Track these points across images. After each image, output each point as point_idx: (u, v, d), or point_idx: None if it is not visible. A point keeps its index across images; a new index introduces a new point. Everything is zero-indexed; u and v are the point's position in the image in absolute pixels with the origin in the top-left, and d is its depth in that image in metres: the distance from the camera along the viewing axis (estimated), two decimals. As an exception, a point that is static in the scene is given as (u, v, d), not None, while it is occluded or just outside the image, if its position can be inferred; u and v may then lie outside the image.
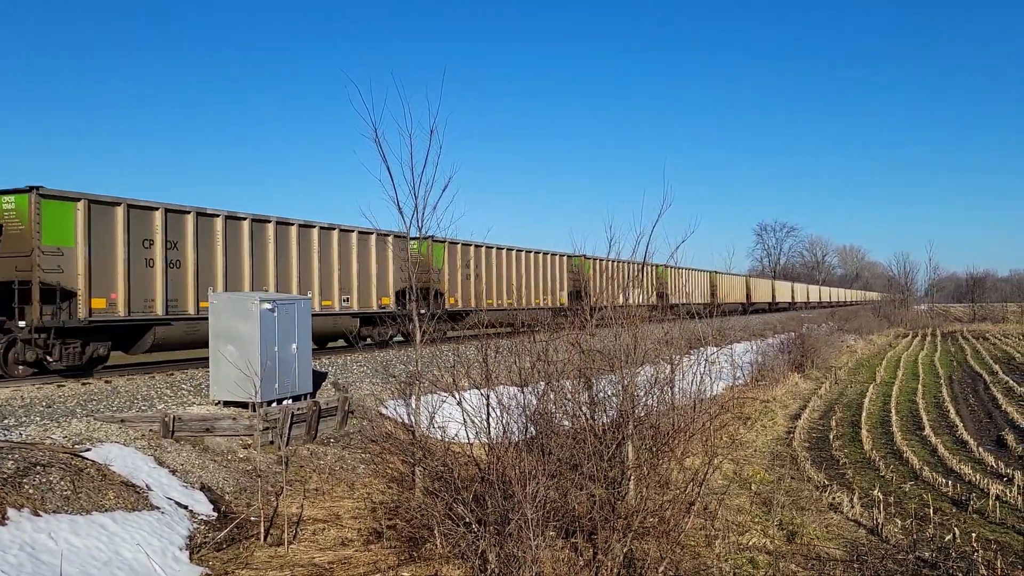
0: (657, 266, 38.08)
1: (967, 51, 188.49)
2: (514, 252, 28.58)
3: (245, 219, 17.67)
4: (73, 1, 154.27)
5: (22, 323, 13.83)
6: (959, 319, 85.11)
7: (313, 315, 16.31)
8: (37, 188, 13.76)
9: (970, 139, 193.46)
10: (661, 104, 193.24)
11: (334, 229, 20.11)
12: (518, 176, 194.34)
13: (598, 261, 33.23)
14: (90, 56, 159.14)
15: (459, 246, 25.18)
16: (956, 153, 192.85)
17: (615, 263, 34.20)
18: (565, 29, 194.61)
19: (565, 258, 32.20)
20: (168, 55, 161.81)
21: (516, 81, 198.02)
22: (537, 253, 30.27)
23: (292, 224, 18.96)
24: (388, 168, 9.45)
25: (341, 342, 21.72)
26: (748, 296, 61.56)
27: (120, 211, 14.98)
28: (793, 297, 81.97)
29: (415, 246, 23.65)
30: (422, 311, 21.54)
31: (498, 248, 27.66)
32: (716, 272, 50.93)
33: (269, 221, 18.32)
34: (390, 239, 21.97)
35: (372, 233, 21.16)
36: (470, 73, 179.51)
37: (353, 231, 20.65)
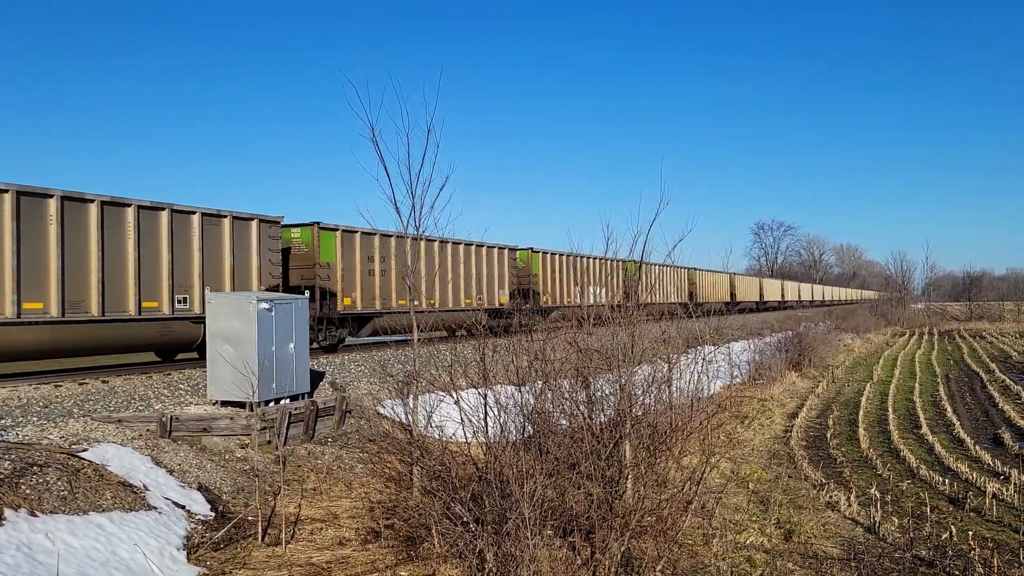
0: (624, 262, 36.03)
1: (965, 51, 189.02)
2: (436, 244, 23.81)
3: (7, 191, 13.19)
4: (73, 1, 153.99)
5: None
6: (956, 318, 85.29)
7: (127, 320, 14.62)
8: None
9: (967, 139, 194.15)
10: (659, 104, 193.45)
11: (163, 209, 15.61)
12: (516, 176, 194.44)
13: (550, 256, 30.54)
14: (89, 56, 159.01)
15: (358, 235, 21.04)
16: (953, 152, 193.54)
17: (570, 258, 31.75)
18: (564, 29, 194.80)
19: (506, 252, 28.30)
20: (167, 55, 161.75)
21: (514, 81, 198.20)
22: (469, 245, 25.68)
23: (91, 202, 14.37)
24: (385, 167, 9.47)
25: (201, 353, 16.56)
26: (733, 295, 57.23)
27: None
28: (783, 296, 78.35)
29: (297, 235, 20.15)
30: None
31: (414, 239, 23.84)
32: (695, 269, 47.44)
33: (50, 196, 13.76)
34: (254, 224, 17.67)
35: (226, 216, 16.96)
36: (468, 73, 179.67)
37: (195, 212, 16.27)
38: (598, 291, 33.10)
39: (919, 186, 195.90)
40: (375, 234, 21.53)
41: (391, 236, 22.04)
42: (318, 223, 19.97)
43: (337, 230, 20.44)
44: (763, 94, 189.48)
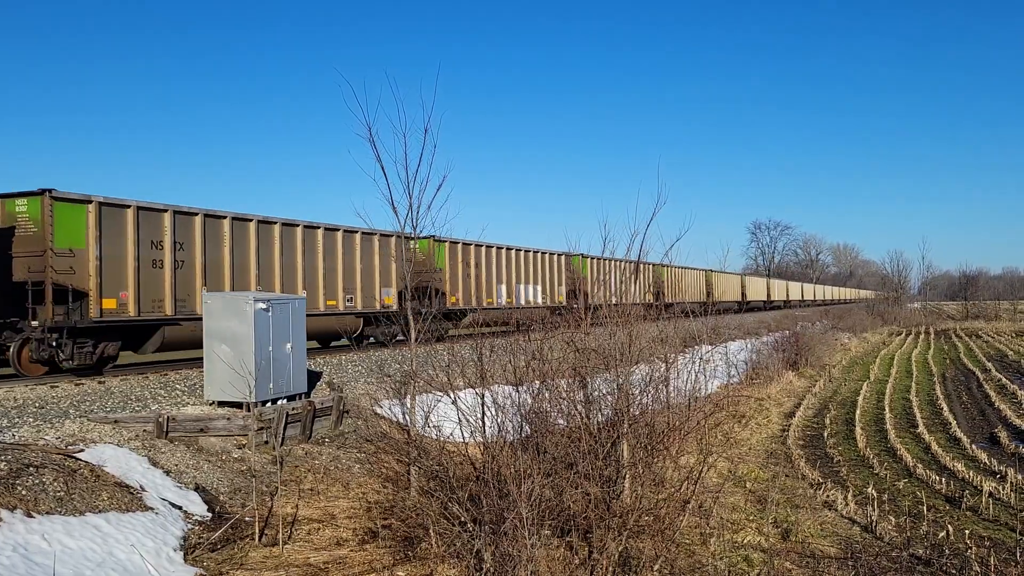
0: (572, 257, 32.43)
1: (960, 50, 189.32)
2: (277, 227, 18.71)
3: None
4: (65, 5, 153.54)
5: None
6: (952, 317, 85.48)
7: None
8: None
9: (963, 138, 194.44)
10: (656, 102, 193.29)
11: None
12: (515, 175, 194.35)
13: (460, 247, 25.09)
14: (86, 58, 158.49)
15: (131, 211, 15.43)
16: (949, 151, 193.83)
17: (491, 250, 26.79)
18: (561, 28, 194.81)
19: (393, 240, 21.78)
20: (162, 55, 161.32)
21: (510, 79, 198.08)
22: (334, 231, 20.00)
23: None
24: (382, 167, 9.39)
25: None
26: (709, 294, 50.67)
27: None
28: (769, 295, 72.52)
29: (23, 208, 14.48)
30: (34, 323, 13.93)
31: (235, 218, 17.72)
32: (664, 265, 39.90)
33: None
34: None
35: None
36: (466, 72, 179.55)
37: None
38: (532, 290, 29.43)
39: (915, 185, 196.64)
40: (165, 211, 16.15)
41: (195, 215, 16.74)
42: (50, 191, 14.34)
43: (89, 202, 14.85)
44: (759, 94, 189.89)
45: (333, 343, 22.49)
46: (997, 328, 65.87)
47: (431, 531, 8.28)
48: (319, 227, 19.94)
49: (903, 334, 61.08)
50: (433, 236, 22.13)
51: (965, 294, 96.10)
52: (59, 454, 9.87)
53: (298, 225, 19.23)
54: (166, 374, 15.40)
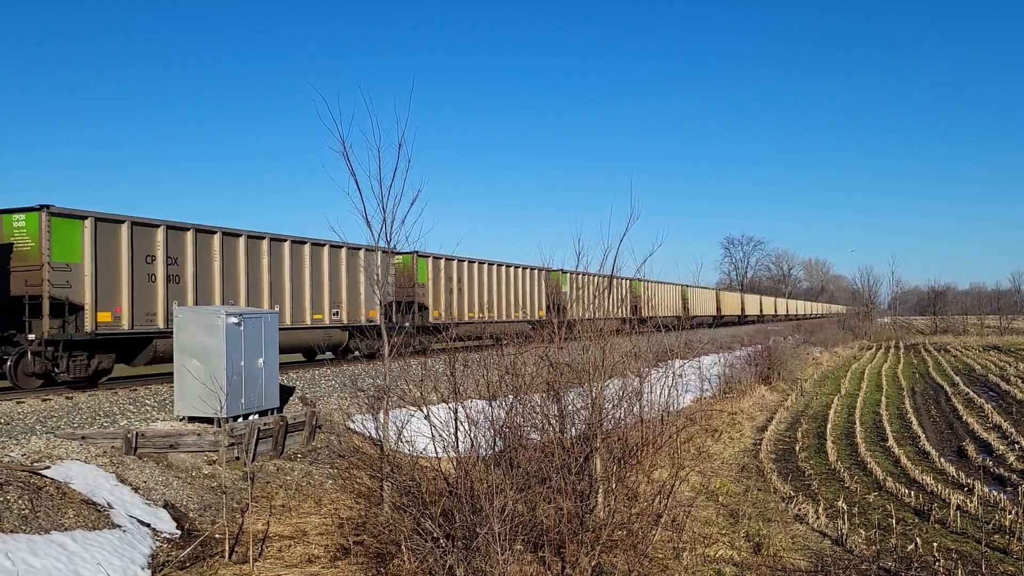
0: (405, 257, 23.76)
1: (932, 66, 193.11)
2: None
3: None
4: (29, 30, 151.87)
5: None
6: (921, 331, 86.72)
7: None
8: None
9: (932, 154, 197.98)
10: (630, 118, 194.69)
11: None
12: (488, 188, 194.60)
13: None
14: (49, 72, 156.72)
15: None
16: (919, 168, 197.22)
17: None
18: (535, 43, 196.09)
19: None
20: (135, 69, 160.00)
21: (485, 94, 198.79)
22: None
23: None
24: (356, 181, 9.34)
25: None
26: (636, 310, 36.09)
27: None
28: (719, 310, 63.96)
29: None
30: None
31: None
32: (562, 272, 32.27)
33: None
34: None
35: None
36: (440, 86, 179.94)
37: None
38: (325, 303, 20.91)
39: (885, 201, 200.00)
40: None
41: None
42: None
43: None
44: (732, 110, 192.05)
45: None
46: (965, 342, 67.02)
47: (404, 547, 8.23)
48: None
49: (873, 348, 61.87)
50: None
51: (934, 309, 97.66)
52: (24, 471, 9.69)
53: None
54: (135, 389, 15.19)
